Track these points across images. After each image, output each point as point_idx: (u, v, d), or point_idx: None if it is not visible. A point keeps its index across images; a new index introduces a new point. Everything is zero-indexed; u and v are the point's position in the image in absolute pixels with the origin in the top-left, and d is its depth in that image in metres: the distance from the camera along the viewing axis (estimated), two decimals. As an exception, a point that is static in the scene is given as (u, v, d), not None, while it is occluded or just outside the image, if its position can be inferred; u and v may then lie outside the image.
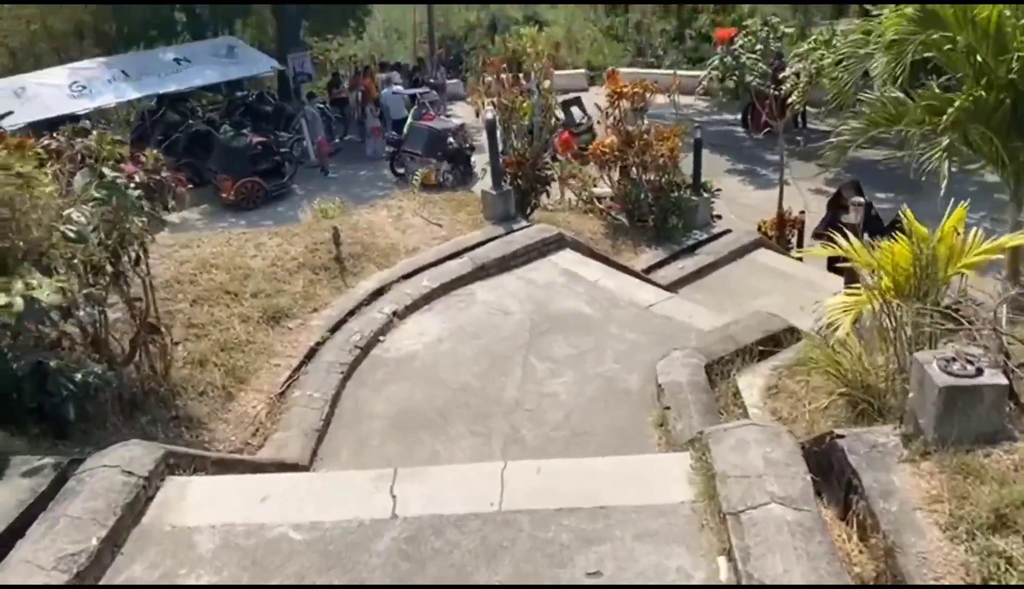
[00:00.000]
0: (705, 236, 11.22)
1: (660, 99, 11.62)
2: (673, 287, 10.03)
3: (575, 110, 19.03)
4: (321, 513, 4.00)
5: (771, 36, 12.28)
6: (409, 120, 18.82)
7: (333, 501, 4.13)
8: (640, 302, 8.22)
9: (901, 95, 7.46)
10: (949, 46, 6.80)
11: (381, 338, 7.66)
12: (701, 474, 4.04)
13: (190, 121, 19.65)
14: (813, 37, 12.09)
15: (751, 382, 6.62)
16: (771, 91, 12.34)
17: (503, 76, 9.91)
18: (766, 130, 19.39)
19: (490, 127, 9.40)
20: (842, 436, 4.01)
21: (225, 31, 23.08)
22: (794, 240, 13.08)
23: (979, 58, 6.62)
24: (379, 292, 8.25)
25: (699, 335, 7.40)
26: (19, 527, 3.78)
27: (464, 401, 6.82)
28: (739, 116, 21.29)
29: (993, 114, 6.53)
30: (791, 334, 7.32)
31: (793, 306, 9.36)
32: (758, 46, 12.19)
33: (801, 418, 5.80)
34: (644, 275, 10.01)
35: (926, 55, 6.94)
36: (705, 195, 11.54)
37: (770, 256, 11.00)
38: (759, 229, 12.96)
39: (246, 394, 6.86)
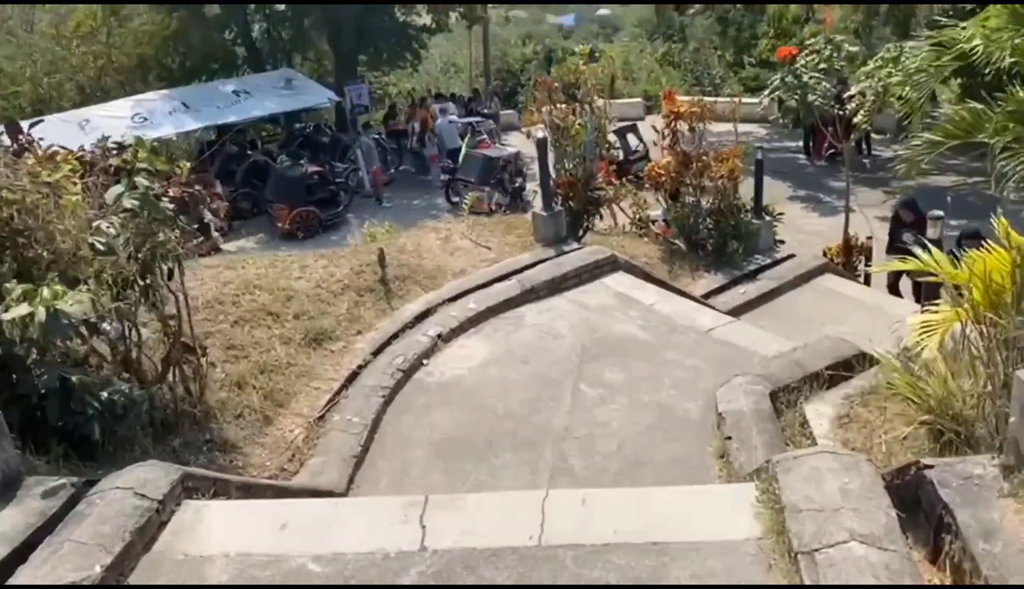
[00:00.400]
0: (768, 261, 10.66)
1: (719, 126, 11.19)
2: (734, 313, 9.50)
3: (631, 137, 18.70)
4: (345, 543, 3.64)
5: (835, 55, 11.75)
6: (464, 149, 18.74)
7: (358, 531, 3.76)
8: (699, 327, 7.75)
9: (978, 106, 6.93)
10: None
11: (425, 362, 7.34)
12: (768, 507, 3.57)
13: (249, 152, 19.92)
14: (879, 55, 11.53)
15: (820, 411, 6.09)
16: (835, 112, 11.76)
17: (555, 96, 9.62)
18: (829, 154, 18.74)
19: (541, 147, 9.09)
20: (930, 466, 3.51)
21: (284, 64, 23.46)
22: (861, 266, 12.43)
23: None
24: (424, 315, 7.95)
25: (763, 361, 6.88)
26: (24, 551, 3.52)
27: (511, 428, 6.43)
28: (800, 143, 20.71)
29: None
30: (863, 360, 6.76)
31: (863, 333, 8.74)
32: (821, 65, 11.66)
33: (877, 449, 5.25)
34: (703, 300, 9.52)
35: (1010, 61, 6.40)
36: (767, 218, 11.01)
37: (837, 282, 10.39)
38: (824, 255, 12.35)
39: (284, 418, 6.60)
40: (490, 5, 26.82)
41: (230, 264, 8.43)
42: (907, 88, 10.46)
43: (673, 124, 10.70)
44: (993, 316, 3.87)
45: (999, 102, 6.52)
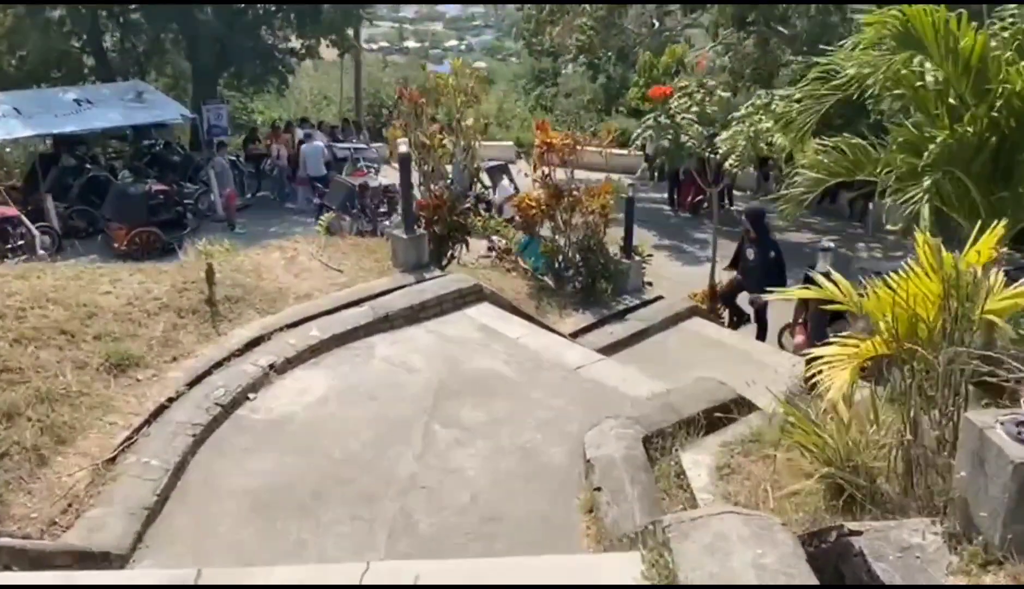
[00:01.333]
0: (637, 302, 10.08)
1: (590, 175, 10.66)
2: (603, 352, 8.80)
3: (503, 178, 18.12)
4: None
5: (707, 99, 11.53)
6: (342, 176, 17.77)
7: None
8: (567, 364, 6.95)
9: (860, 142, 6.58)
10: (920, 83, 5.93)
11: (251, 396, 6.15)
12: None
13: (88, 166, 17.97)
14: (750, 102, 11.39)
15: (698, 460, 5.36)
16: (706, 155, 11.48)
17: (421, 111, 8.74)
18: (694, 204, 18.80)
19: (404, 163, 8.16)
20: (858, 533, 2.76)
21: (137, 78, 21.56)
22: (725, 314, 12.15)
23: (953, 96, 5.75)
24: (257, 341, 6.76)
25: (635, 403, 6.14)
26: None
27: (348, 477, 5.34)
28: (665, 195, 20.79)
29: (975, 158, 5.63)
30: (740, 405, 6.15)
31: (733, 378, 8.26)
32: (693, 108, 11.40)
33: (765, 506, 4.55)
34: (571, 338, 8.79)
35: (892, 93, 6.05)
36: (636, 259, 10.48)
37: (705, 326, 9.92)
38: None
39: (65, 458, 5.25)
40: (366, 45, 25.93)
41: (23, 273, 6.97)
42: (778, 135, 10.31)
43: (545, 156, 10.06)
44: (919, 348, 3.22)
45: (882, 140, 6.15)
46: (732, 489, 4.94)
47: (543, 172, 10.03)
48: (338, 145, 20.54)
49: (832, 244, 5.07)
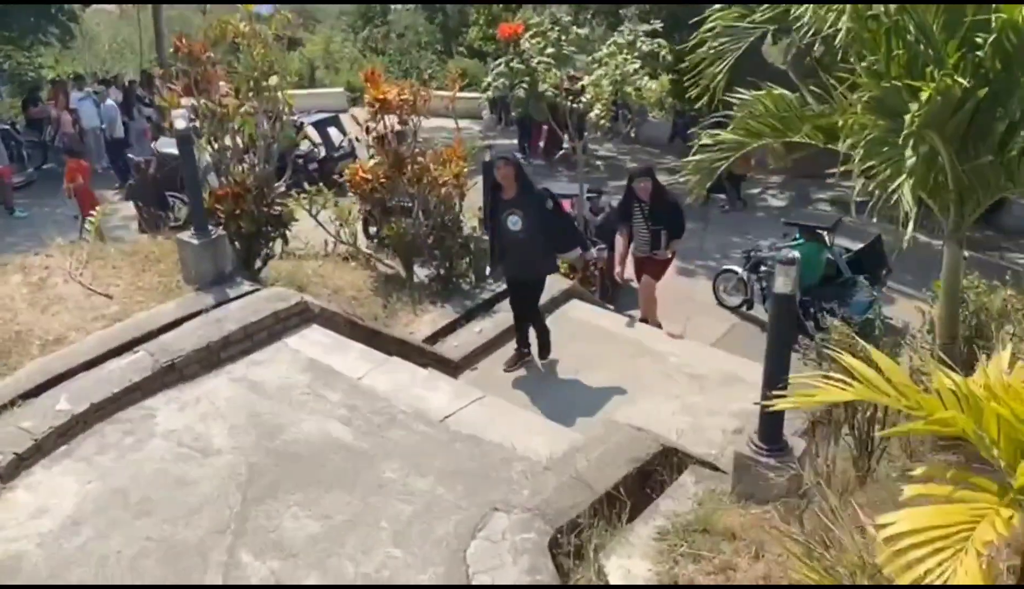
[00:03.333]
0: (504, 286, 8.29)
1: (432, 122, 8.57)
2: (471, 361, 7.02)
3: (332, 131, 15.66)
4: None
5: (563, 38, 9.66)
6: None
7: None
8: (430, 412, 5.02)
9: (790, 94, 4.94)
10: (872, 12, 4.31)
11: (-54, 535, 3.89)
12: None
13: None
14: (612, 40, 9.63)
15: (631, 571, 3.67)
16: (565, 104, 9.65)
17: (209, 67, 6.36)
18: (557, 152, 17.08)
19: (183, 142, 5.81)
20: None
21: None
22: (597, 284, 10.58)
23: (919, 38, 4.16)
24: (-36, 433, 4.44)
25: (530, 474, 4.35)
26: None
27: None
28: (516, 140, 18.98)
29: (952, 117, 4.08)
30: (670, 459, 4.51)
31: (633, 378, 6.69)
32: (549, 49, 9.51)
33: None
34: (429, 348, 6.88)
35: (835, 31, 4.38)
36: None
37: (586, 310, 8.20)
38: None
39: None
40: None
41: None
42: (646, 78, 8.60)
43: (379, 117, 7.91)
44: None
45: (839, 92, 4.50)
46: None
47: (376, 136, 7.90)
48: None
49: (797, 254, 3.50)
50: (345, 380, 5.29)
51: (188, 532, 3.96)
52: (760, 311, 10.30)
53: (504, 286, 8.20)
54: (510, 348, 7.26)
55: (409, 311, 7.55)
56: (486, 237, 8.36)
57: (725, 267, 11.19)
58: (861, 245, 10.27)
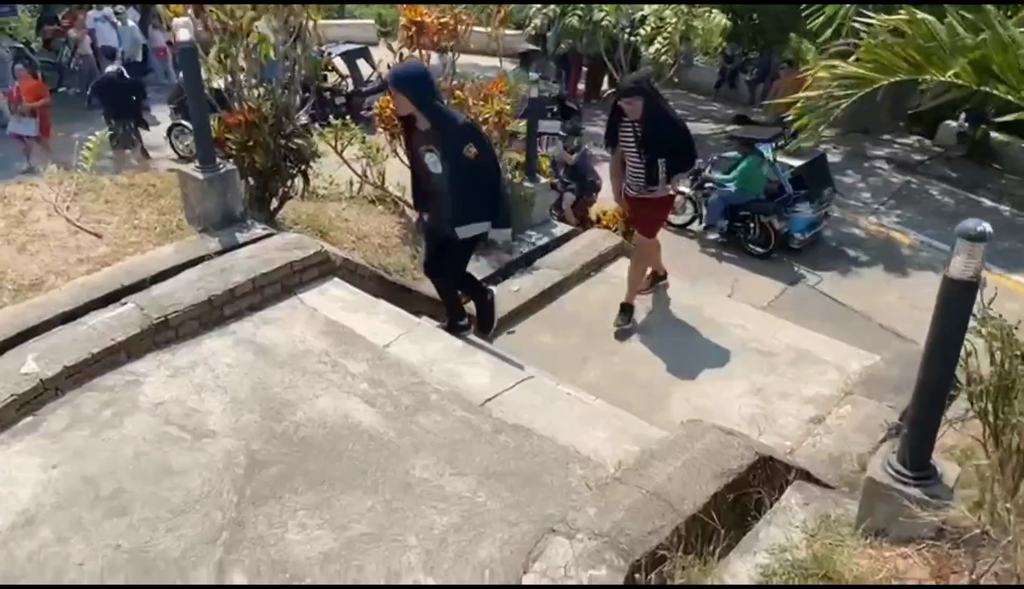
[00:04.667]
0: (545, 239, 7.33)
1: (466, 59, 7.47)
2: (508, 323, 6.10)
3: (361, 63, 14.55)
4: None
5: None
6: None
7: None
8: (469, 394, 4.12)
9: (938, 23, 3.87)
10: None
11: None
12: None
13: None
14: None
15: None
16: (623, 36, 8.51)
17: (219, -26, 5.36)
18: (594, 97, 15.87)
19: (187, 57, 4.83)
20: None
21: None
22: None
23: None
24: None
25: (593, 483, 3.46)
26: None
27: None
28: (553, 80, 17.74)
29: None
30: (765, 470, 3.59)
31: (693, 359, 5.74)
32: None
33: None
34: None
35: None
36: (543, 181, 7.63)
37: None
38: (598, 222, 9.33)
39: None
40: None
41: None
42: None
43: (415, 41, 6.90)
44: None
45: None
46: None
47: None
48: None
49: (987, 227, 2.58)
50: (369, 348, 4.39)
51: (169, 541, 3.12)
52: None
53: (546, 240, 7.30)
54: (550, 311, 6.36)
55: (441, 264, 6.61)
56: (528, 184, 7.41)
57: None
58: (802, 162, 10.27)
